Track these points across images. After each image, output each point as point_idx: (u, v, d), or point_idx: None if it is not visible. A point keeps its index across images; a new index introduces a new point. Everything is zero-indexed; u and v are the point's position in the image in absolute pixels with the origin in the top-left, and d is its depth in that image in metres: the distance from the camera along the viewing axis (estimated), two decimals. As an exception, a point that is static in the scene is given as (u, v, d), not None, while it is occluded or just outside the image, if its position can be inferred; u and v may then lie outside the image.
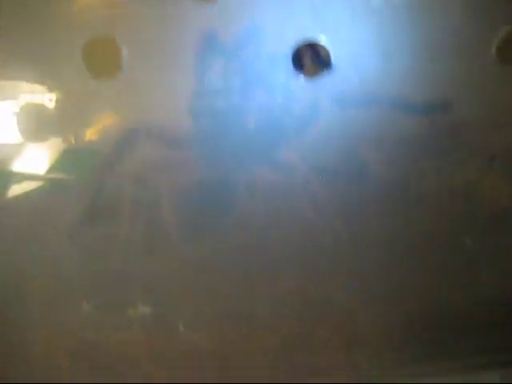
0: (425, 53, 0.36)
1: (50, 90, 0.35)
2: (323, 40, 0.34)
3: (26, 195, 0.37)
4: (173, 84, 0.36)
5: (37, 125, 0.36)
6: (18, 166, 0.37)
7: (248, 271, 0.39)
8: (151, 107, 0.36)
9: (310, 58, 0.36)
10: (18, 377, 0.38)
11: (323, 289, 0.40)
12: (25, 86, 0.35)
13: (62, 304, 0.39)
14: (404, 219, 0.40)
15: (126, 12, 0.34)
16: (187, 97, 0.36)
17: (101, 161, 0.37)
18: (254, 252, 0.39)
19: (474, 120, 0.38)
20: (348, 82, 0.36)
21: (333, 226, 0.39)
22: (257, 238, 0.39)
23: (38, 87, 0.35)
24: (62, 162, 0.37)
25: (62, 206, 0.38)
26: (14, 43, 0.34)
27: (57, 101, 0.36)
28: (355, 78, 0.36)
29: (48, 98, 0.36)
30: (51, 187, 0.37)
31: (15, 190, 0.37)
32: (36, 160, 0.37)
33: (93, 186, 0.37)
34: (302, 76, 0.35)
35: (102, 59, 0.35)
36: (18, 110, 0.36)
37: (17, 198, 0.37)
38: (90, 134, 0.37)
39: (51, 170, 0.37)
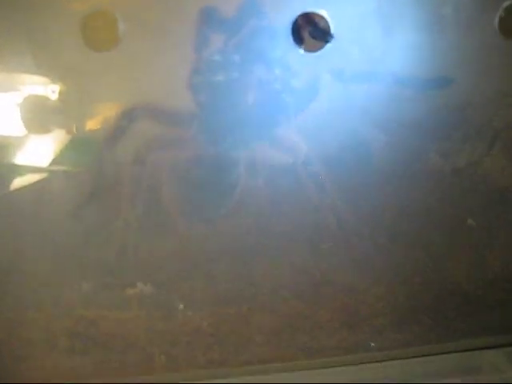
0: (427, 27, 0.35)
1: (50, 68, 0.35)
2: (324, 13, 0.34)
3: (29, 178, 0.37)
4: (172, 60, 0.35)
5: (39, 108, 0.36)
6: (20, 153, 0.37)
7: (248, 250, 0.39)
8: (150, 84, 0.36)
9: (310, 32, 0.35)
10: (17, 356, 0.38)
11: (324, 269, 0.39)
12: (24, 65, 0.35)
13: (61, 283, 0.38)
14: (407, 198, 0.39)
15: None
16: (186, 72, 0.35)
17: (100, 140, 0.37)
18: (254, 231, 0.39)
19: (477, 95, 0.37)
20: (349, 57, 0.35)
21: (334, 205, 0.38)
22: (257, 217, 0.38)
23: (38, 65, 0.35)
24: (63, 144, 0.37)
25: (64, 187, 0.38)
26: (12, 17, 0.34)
27: (57, 80, 0.35)
28: (356, 53, 0.35)
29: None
30: (54, 169, 0.37)
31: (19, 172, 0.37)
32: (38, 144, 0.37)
33: (93, 167, 0.37)
34: (302, 50, 0.35)
35: (100, 33, 0.35)
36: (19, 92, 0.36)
37: (20, 180, 0.37)
38: (90, 114, 0.37)
39: (52, 154, 0.37)
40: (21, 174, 0.37)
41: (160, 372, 0.39)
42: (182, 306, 0.39)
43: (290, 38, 0.34)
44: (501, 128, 0.39)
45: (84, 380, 0.39)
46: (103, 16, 0.33)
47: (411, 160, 0.39)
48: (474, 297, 0.40)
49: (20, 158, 0.37)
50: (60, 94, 0.36)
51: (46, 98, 0.36)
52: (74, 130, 0.37)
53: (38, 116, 0.36)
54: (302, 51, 0.35)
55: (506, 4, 0.34)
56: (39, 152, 0.37)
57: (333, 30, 0.34)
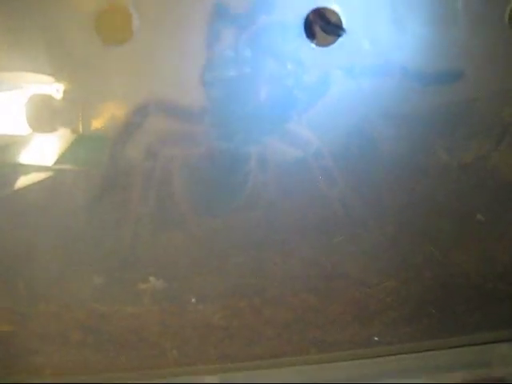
0: (437, 21, 0.35)
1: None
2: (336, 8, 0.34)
3: (43, 174, 0.38)
4: (185, 55, 0.35)
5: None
6: (34, 151, 0.37)
7: (259, 244, 0.39)
8: (163, 79, 0.36)
9: (321, 27, 0.36)
10: (29, 349, 0.38)
11: (336, 261, 0.39)
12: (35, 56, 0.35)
13: (73, 277, 0.39)
14: (417, 192, 0.39)
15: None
16: (199, 68, 0.35)
17: (114, 136, 0.37)
18: (265, 225, 0.39)
19: (486, 89, 0.38)
20: (360, 51, 0.35)
21: (344, 199, 0.39)
22: (268, 211, 0.39)
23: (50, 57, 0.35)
24: (77, 141, 0.37)
25: (77, 182, 0.38)
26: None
27: (70, 76, 0.36)
28: (367, 47, 0.35)
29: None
30: (65, 162, 0.38)
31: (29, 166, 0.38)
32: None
33: (106, 162, 0.37)
34: (313, 45, 0.35)
35: (115, 29, 0.35)
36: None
37: (34, 176, 0.38)
38: (104, 110, 0.37)
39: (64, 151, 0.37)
40: (36, 170, 0.38)
41: (172, 366, 0.39)
42: (193, 300, 0.39)
43: (303, 34, 0.34)
44: (509, 123, 0.40)
45: (95, 374, 0.39)
46: (118, 11, 0.34)
47: (421, 155, 0.39)
48: (484, 290, 0.40)
49: (33, 156, 0.37)
50: (73, 90, 0.36)
51: (58, 95, 0.36)
52: (88, 126, 0.37)
53: (50, 114, 0.36)
54: (313, 46, 0.35)
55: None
56: (52, 149, 0.37)
57: (344, 25, 0.35)
